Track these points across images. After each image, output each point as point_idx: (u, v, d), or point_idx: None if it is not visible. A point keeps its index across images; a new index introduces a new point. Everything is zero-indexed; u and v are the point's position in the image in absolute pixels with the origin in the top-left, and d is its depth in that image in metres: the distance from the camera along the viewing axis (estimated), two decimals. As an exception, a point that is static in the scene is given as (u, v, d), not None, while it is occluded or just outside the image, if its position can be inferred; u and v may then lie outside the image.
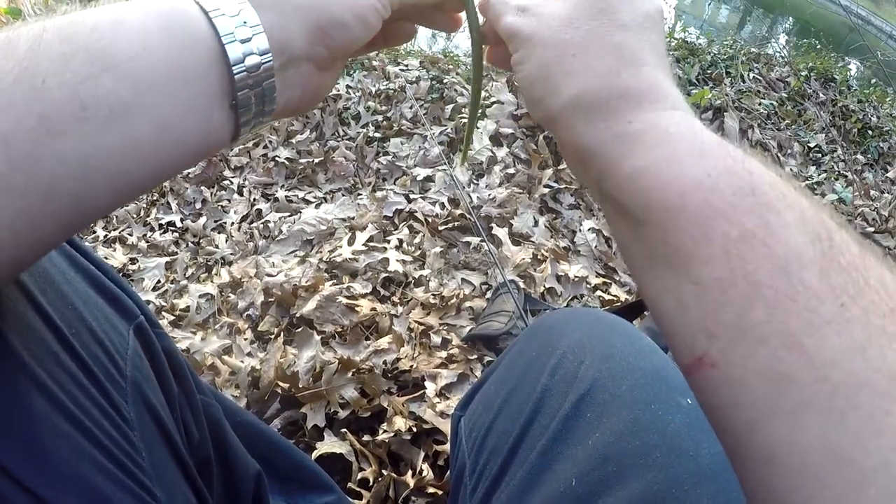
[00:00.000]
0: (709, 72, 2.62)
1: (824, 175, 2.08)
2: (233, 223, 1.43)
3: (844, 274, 0.21)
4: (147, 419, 0.38)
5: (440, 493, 0.85)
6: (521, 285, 1.17)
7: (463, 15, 0.39)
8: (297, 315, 1.10)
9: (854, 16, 5.56)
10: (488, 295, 1.18)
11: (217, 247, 1.36)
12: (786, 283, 0.21)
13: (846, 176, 2.18)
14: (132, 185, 0.27)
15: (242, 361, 1.05)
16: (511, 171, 1.49)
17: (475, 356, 1.04)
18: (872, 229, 1.77)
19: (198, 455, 0.46)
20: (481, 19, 0.38)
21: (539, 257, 1.25)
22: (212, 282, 1.25)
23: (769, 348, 0.21)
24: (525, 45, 0.32)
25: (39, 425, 0.29)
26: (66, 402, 0.31)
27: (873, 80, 3.72)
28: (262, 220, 1.36)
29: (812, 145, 2.32)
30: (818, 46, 3.97)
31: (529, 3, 0.33)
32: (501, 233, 1.29)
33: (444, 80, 1.91)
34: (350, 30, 0.32)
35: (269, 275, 1.19)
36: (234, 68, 0.28)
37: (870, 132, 2.68)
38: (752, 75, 2.70)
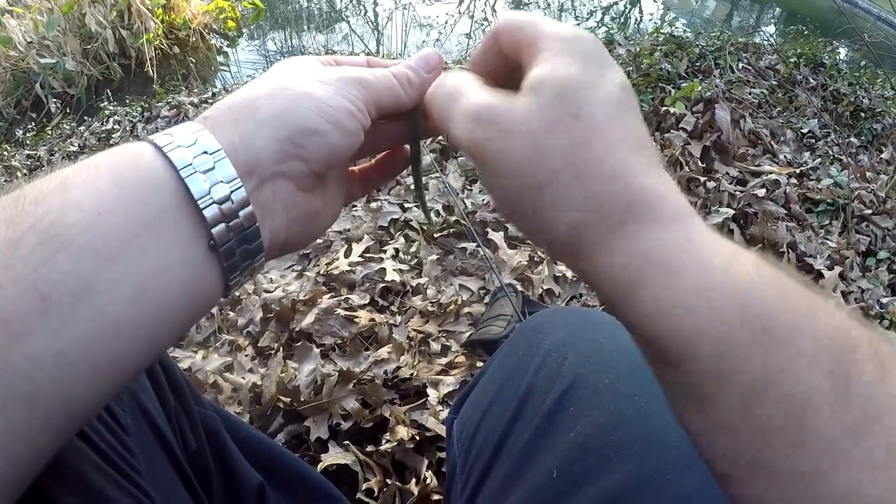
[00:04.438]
0: (697, 64, 2.63)
1: (819, 160, 2.08)
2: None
3: (858, 410, 0.21)
4: (144, 427, 0.39)
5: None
6: (519, 288, 1.17)
7: None
8: (297, 329, 1.10)
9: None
10: (486, 300, 1.18)
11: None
12: (798, 429, 0.21)
13: (841, 160, 2.18)
14: (124, 368, 0.24)
15: (244, 378, 1.05)
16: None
17: (476, 361, 1.04)
18: (870, 211, 1.77)
19: (196, 464, 0.46)
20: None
21: (536, 259, 1.25)
22: (211, 300, 1.25)
23: (782, 484, 0.22)
24: (493, 172, 0.26)
25: None
26: None
27: (863, 63, 3.72)
28: (259, 236, 1.37)
29: (805, 131, 2.32)
30: (805, 32, 3.98)
31: (482, 109, 0.27)
32: (497, 237, 1.29)
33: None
34: (326, 137, 0.28)
35: (267, 290, 1.19)
36: (200, 203, 0.25)
37: (862, 114, 2.68)
38: (740, 65, 2.71)
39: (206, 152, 0.25)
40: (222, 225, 0.25)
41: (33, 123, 3.38)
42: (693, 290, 0.22)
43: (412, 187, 1.47)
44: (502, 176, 0.26)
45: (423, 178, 1.44)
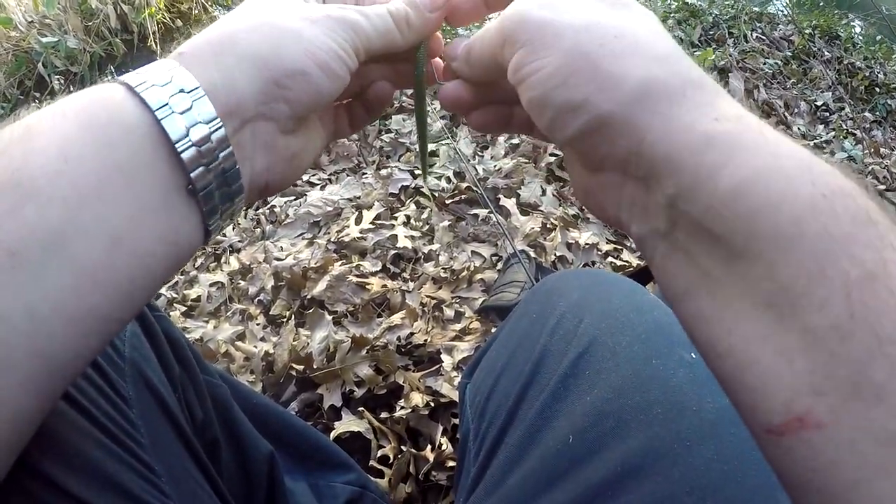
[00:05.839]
0: (711, 33, 2.59)
1: (833, 134, 2.06)
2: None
3: None
4: (147, 398, 0.38)
5: (461, 465, 0.84)
6: (532, 255, 1.16)
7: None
8: (308, 297, 1.10)
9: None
10: (499, 266, 1.17)
11: (224, 235, 1.35)
12: None
13: (855, 134, 2.15)
14: (105, 318, 0.23)
15: (256, 346, 1.05)
16: (515, 141, 1.48)
17: (490, 327, 1.03)
18: (884, 187, 1.76)
19: (204, 435, 0.45)
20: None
21: (549, 226, 1.24)
22: (221, 270, 1.24)
23: (887, 409, 0.18)
24: (540, 33, 0.25)
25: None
26: None
27: (878, 37, 3.64)
28: (268, 206, 1.35)
29: (819, 104, 2.29)
30: (821, 4, 3.89)
31: None
32: (509, 203, 1.27)
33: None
34: (312, 80, 0.27)
35: (278, 259, 1.18)
36: (178, 146, 0.23)
37: (877, 90, 2.64)
38: (755, 35, 2.67)
39: (182, 91, 0.24)
40: (201, 168, 0.24)
41: (37, 103, 3.37)
42: (791, 154, 0.21)
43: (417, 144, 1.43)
44: (553, 37, 0.25)
45: (434, 146, 1.42)
